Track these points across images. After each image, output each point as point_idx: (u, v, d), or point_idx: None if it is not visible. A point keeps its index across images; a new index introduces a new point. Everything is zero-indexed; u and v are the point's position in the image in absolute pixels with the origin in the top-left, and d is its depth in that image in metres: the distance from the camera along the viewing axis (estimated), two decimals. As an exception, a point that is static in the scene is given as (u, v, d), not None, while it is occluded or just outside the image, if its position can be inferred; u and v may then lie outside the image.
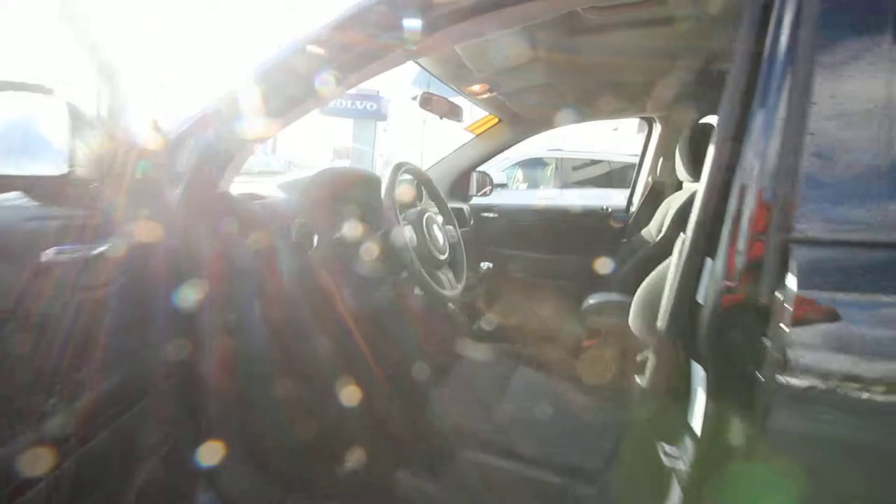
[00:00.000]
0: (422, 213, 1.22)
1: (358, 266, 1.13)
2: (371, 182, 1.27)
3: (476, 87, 1.47)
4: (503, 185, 5.65)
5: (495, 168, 5.89)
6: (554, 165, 5.99)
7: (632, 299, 1.32)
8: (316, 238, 1.03)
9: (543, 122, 2.08)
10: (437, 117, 1.62)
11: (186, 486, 0.90)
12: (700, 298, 0.64)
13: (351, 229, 1.16)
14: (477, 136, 2.23)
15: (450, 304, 1.31)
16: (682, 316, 0.66)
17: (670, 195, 2.02)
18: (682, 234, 0.68)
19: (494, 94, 1.58)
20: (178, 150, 0.87)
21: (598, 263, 2.18)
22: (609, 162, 5.84)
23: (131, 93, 0.78)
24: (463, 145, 2.29)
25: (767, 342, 0.55)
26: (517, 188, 5.95)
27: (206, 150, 0.88)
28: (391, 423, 1.06)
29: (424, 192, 1.60)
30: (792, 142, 0.59)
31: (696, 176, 1.60)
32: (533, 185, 6.09)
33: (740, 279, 0.59)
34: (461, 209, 2.22)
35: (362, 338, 1.06)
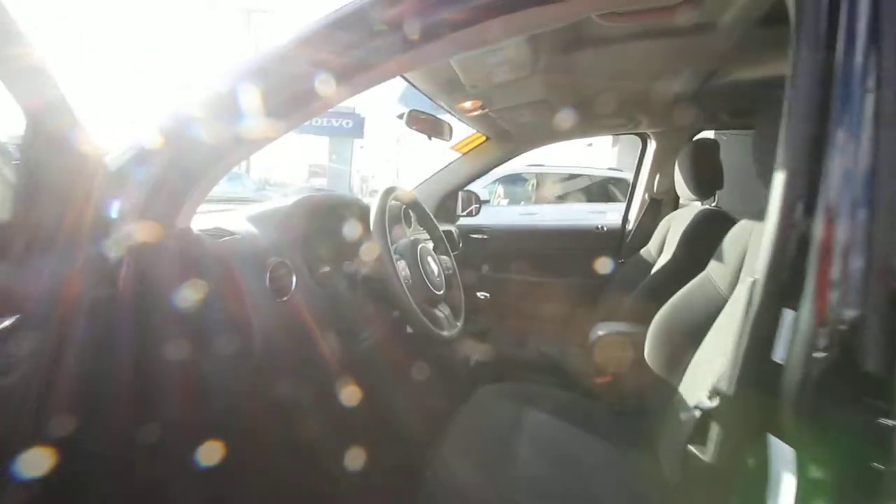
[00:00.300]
0: (415, 243, 1.09)
1: (345, 310, 0.98)
2: (356, 210, 1.13)
3: (468, 104, 1.36)
4: (485, 202, 5.59)
5: (476, 185, 5.82)
6: (535, 181, 5.95)
7: (643, 329, 1.21)
8: (295, 279, 0.88)
9: (534, 139, 1.99)
10: (426, 137, 1.50)
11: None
12: (779, 358, 0.52)
13: (336, 267, 1.02)
14: (464, 154, 2.12)
15: (450, 345, 1.16)
16: (755, 379, 0.54)
17: (668, 213, 1.94)
18: (750, 278, 0.57)
19: (486, 110, 1.47)
20: (125, 178, 0.71)
21: (598, 287, 2.08)
22: (589, 176, 5.84)
23: (68, 106, 0.62)
24: (449, 164, 2.17)
25: (888, 422, 0.43)
26: (498, 204, 5.89)
27: (160, 176, 0.72)
28: (385, 495, 0.90)
29: (413, 217, 1.47)
30: (889, 171, 0.48)
31: (700, 194, 1.52)
32: (514, 200, 6.04)
33: (837, 340, 0.47)
34: (450, 231, 2.10)
35: (351, 394, 0.91)
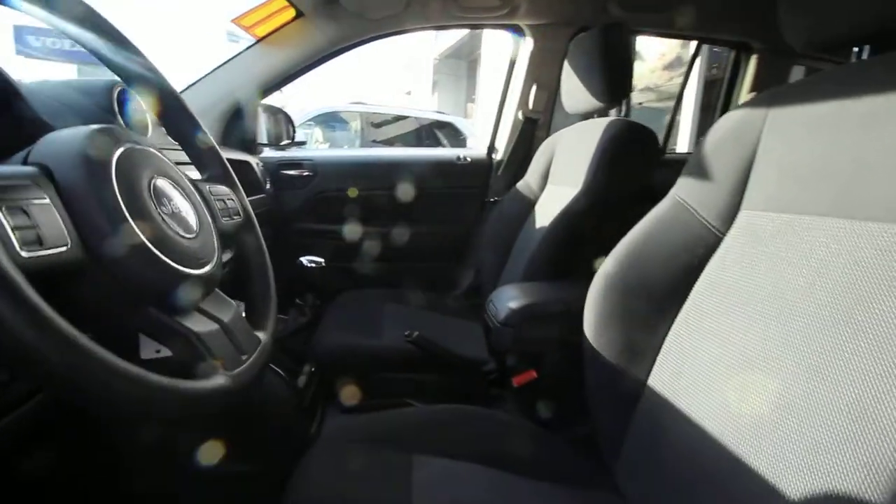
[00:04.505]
0: (93, 141, 0.36)
1: None
2: None
3: None
4: (302, 144, 4.63)
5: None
6: (359, 122, 5.22)
7: (573, 292, 0.77)
8: None
9: (374, 21, 1.32)
10: None
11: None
12: None
13: None
14: (259, 40, 1.33)
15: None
16: None
17: (545, 136, 1.55)
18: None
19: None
20: None
21: (467, 236, 1.60)
22: (416, 118, 5.36)
23: None
24: (237, 56, 1.36)
25: None
26: (317, 147, 5.00)
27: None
28: None
29: (146, 113, 0.70)
30: None
31: (608, 99, 1.11)
32: (335, 144, 5.23)
33: None
34: (247, 164, 1.33)
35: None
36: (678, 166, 0.69)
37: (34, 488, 0.35)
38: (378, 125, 5.36)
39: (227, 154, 1.23)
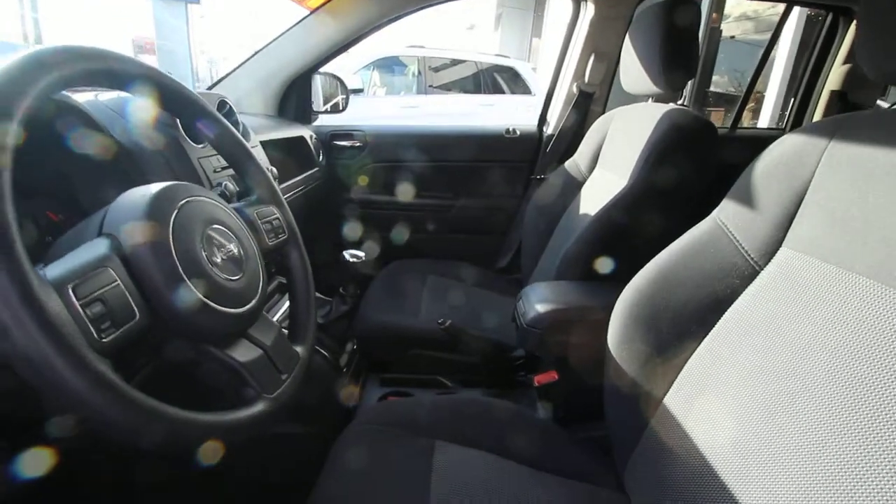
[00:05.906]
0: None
1: None
2: None
3: None
4: (359, 91, 4.64)
5: (345, 70, 4.81)
6: (416, 66, 5.10)
7: (604, 298, 0.78)
8: None
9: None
10: None
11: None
12: None
13: None
14: (313, 12, 1.34)
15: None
16: None
17: (601, 112, 1.47)
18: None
19: None
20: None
21: (509, 216, 1.60)
22: (475, 63, 5.15)
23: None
24: (292, 28, 1.38)
25: None
26: (375, 94, 4.99)
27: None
28: None
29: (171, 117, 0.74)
30: None
31: (668, 84, 1.04)
32: (393, 90, 5.18)
33: None
34: (301, 139, 1.39)
35: None
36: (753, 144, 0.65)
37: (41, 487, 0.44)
38: (436, 69, 5.22)
39: (281, 132, 1.29)
